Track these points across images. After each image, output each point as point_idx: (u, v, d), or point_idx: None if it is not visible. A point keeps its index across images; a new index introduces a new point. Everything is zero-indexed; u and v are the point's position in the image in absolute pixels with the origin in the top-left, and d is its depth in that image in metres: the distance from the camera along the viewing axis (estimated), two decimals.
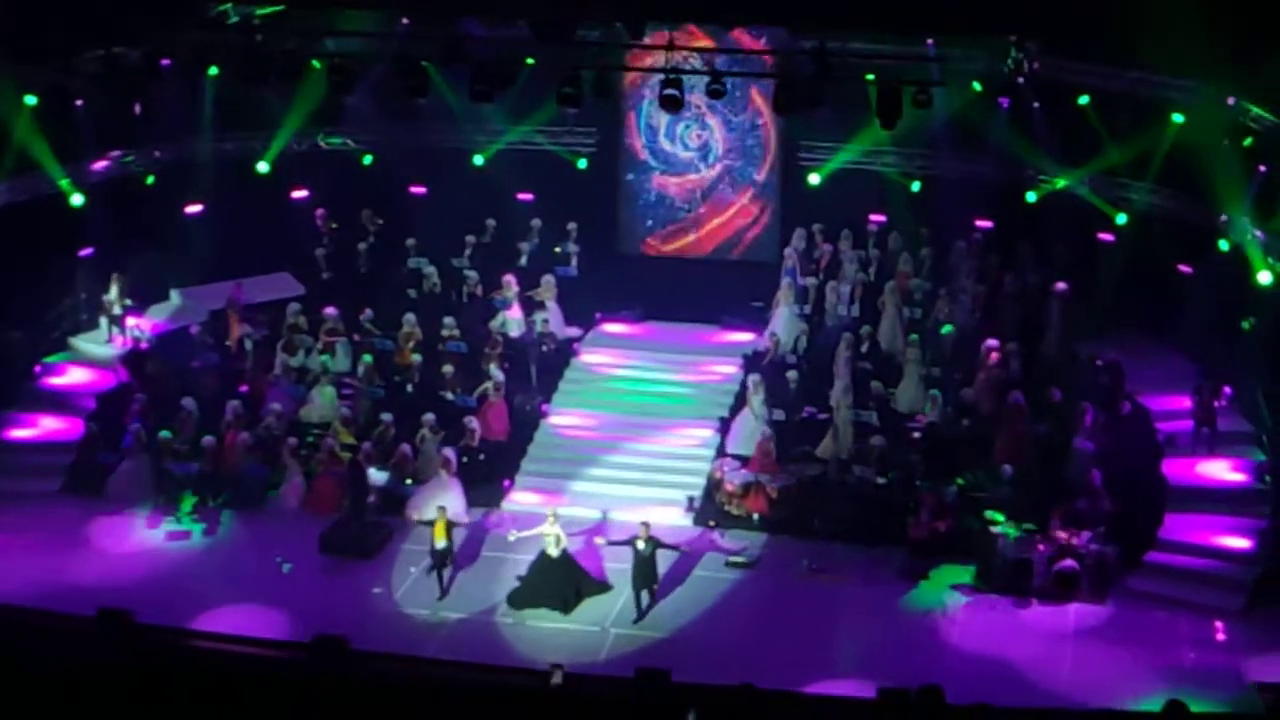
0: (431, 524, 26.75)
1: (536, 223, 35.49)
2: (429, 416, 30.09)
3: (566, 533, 26.71)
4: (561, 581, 26.27)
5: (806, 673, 24.19)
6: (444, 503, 28.01)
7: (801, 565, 27.75)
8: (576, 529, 27.78)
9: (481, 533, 28.62)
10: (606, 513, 28.99)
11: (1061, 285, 32.43)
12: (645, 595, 25.99)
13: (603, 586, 26.66)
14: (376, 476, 28.85)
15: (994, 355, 30.98)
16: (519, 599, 26.32)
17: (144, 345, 33.03)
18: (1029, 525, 27.10)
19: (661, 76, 27.15)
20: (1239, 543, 27.39)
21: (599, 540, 27.34)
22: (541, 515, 27.07)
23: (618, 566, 26.62)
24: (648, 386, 32.68)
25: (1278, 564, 26.73)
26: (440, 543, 26.48)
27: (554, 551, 26.26)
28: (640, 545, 25.75)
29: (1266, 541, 27.16)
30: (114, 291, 33.41)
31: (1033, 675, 24.50)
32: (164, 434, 29.82)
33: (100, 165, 33.34)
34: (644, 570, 25.88)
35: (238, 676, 20.22)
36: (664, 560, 26.39)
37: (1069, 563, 26.57)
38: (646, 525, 25.95)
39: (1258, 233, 28.97)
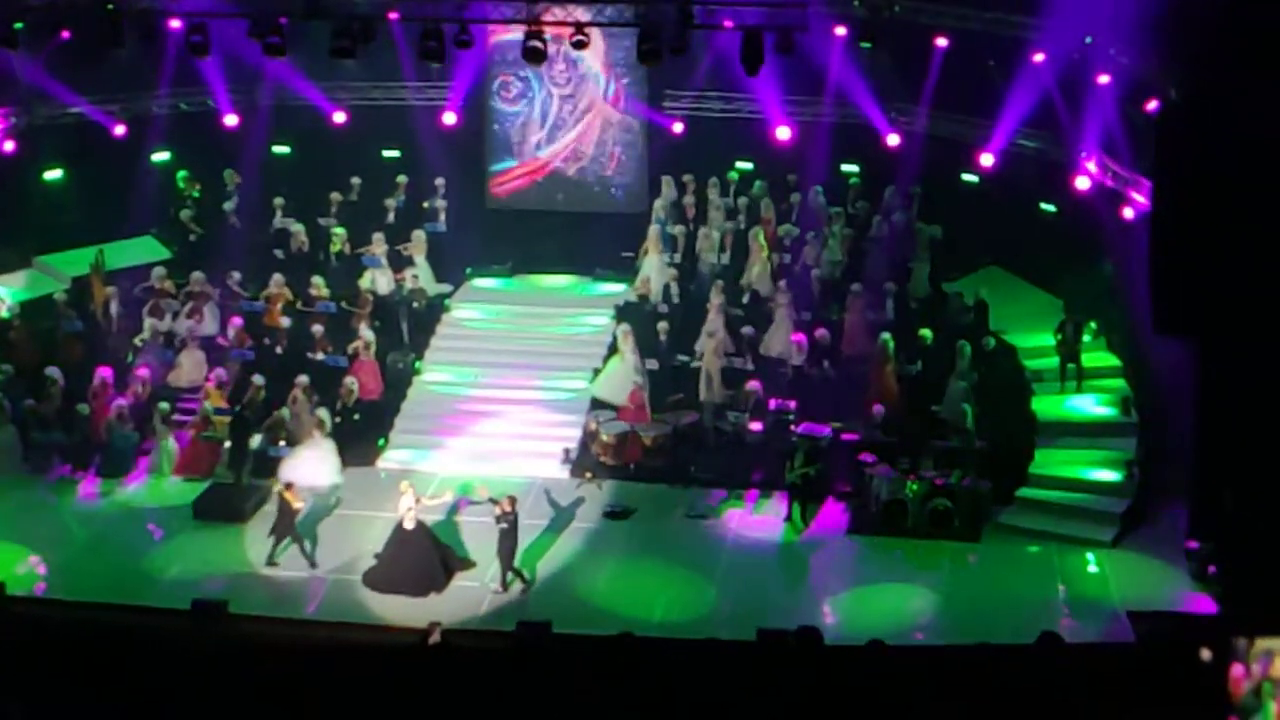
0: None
1: (403, 179, 35.24)
2: (302, 378, 29.78)
3: (431, 500, 26.35)
4: (420, 558, 25.31)
5: (686, 619, 24.41)
6: (318, 464, 27.82)
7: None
8: (443, 495, 27.28)
9: (366, 490, 28.35)
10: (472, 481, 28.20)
11: (927, 226, 32.76)
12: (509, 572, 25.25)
13: (467, 563, 25.97)
14: (251, 440, 28.65)
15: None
16: (375, 579, 25.45)
17: (4, 313, 32.45)
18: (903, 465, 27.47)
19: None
20: (1108, 475, 27.88)
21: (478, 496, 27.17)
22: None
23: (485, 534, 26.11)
24: (520, 341, 32.56)
25: (1146, 495, 27.22)
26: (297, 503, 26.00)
27: (409, 524, 25.34)
28: (502, 522, 24.98)
29: (1134, 473, 27.64)
30: None
31: (909, 613, 24.80)
32: (29, 402, 29.37)
33: None
34: (502, 545, 25.12)
35: (117, 644, 20.06)
36: (537, 517, 26.21)
37: (942, 501, 26.91)
38: (514, 500, 25.14)
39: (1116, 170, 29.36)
